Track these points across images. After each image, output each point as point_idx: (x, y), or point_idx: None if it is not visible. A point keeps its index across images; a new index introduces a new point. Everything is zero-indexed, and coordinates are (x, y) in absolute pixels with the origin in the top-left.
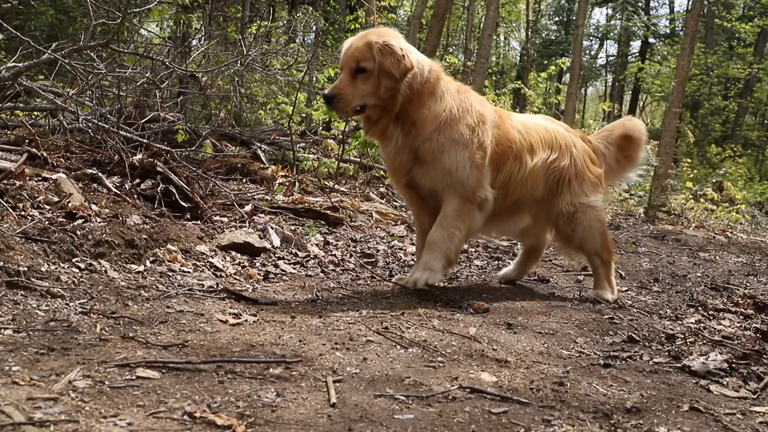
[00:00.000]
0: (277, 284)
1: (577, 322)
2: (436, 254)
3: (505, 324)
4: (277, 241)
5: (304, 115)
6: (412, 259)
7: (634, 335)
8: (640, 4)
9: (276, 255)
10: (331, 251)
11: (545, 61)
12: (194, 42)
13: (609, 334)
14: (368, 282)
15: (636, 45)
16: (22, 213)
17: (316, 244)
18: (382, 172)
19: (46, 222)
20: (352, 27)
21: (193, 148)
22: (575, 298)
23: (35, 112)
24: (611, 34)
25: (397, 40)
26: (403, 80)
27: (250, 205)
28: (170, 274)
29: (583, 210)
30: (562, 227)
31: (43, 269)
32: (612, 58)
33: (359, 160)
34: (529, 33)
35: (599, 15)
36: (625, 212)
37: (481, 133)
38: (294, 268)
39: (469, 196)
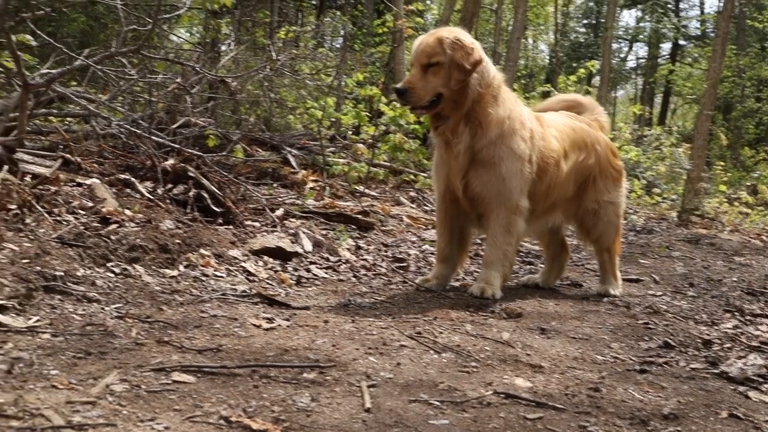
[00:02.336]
0: (310, 289)
1: (611, 327)
2: (495, 273)
3: (539, 329)
4: (308, 246)
5: (333, 119)
6: None
7: (669, 340)
8: (670, 5)
9: (308, 259)
10: (362, 256)
11: (574, 64)
12: (223, 47)
13: (644, 340)
14: (400, 286)
15: (666, 47)
16: (58, 218)
17: (348, 249)
18: (411, 176)
19: (81, 227)
20: (380, 31)
21: (224, 153)
22: (609, 303)
23: (68, 118)
24: (641, 36)
25: (466, 36)
26: (473, 73)
27: (281, 209)
28: (203, 278)
29: (604, 206)
30: (584, 222)
31: (78, 274)
32: (642, 60)
33: (389, 164)
34: (558, 36)
35: (628, 17)
36: (657, 216)
37: (532, 147)
38: (326, 273)
39: (513, 207)
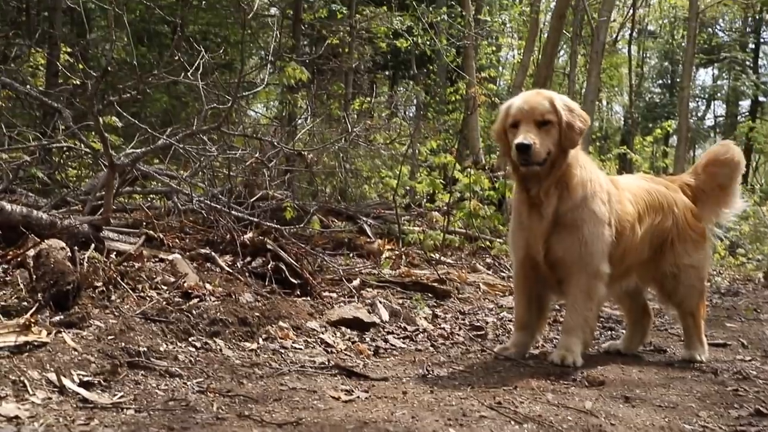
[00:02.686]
0: (388, 359)
1: (698, 395)
2: (574, 339)
3: (623, 397)
4: (385, 316)
5: (408, 187)
6: None
7: (761, 408)
8: (747, 62)
9: (385, 329)
10: (439, 324)
11: (650, 125)
12: (299, 120)
13: (734, 407)
14: (478, 355)
15: (745, 104)
16: (141, 294)
17: (425, 318)
18: (487, 243)
19: (164, 302)
20: (452, 99)
21: (301, 225)
22: (695, 369)
23: (151, 195)
24: (718, 94)
25: (567, 98)
26: (583, 134)
27: (358, 279)
28: (282, 351)
29: (685, 270)
30: (664, 286)
31: (161, 349)
32: (720, 118)
33: (464, 231)
34: (633, 97)
35: (704, 75)
36: (743, 277)
37: (610, 210)
38: (403, 343)
39: (594, 272)
